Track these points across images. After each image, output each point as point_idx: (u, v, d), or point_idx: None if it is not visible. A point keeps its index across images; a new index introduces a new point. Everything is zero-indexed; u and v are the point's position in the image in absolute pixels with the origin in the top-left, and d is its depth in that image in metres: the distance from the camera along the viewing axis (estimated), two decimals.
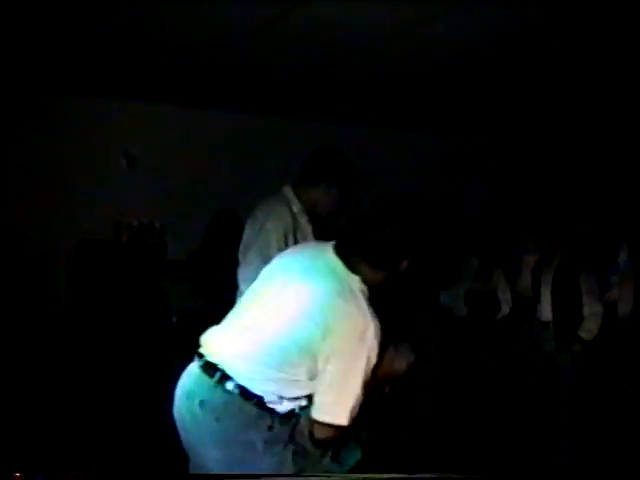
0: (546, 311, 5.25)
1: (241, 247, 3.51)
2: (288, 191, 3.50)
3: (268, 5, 3.91)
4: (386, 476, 2.20)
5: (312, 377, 2.32)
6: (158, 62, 5.07)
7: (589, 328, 5.13)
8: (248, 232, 3.49)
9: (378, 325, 2.30)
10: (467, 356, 5.58)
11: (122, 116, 6.13)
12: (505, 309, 5.81)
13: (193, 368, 2.46)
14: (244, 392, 2.32)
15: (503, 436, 5.33)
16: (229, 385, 2.33)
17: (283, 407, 2.36)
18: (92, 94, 5.85)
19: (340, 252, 2.42)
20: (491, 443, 5.24)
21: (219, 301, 3.57)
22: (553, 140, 7.32)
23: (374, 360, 2.31)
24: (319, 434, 2.34)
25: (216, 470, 2.34)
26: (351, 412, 2.30)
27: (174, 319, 5.74)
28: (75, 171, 5.96)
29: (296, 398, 2.38)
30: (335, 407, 2.31)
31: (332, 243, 2.48)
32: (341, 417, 2.30)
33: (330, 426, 2.31)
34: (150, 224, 6.25)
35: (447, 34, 4.31)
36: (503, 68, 5.03)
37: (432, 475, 2.46)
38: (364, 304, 2.33)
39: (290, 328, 2.32)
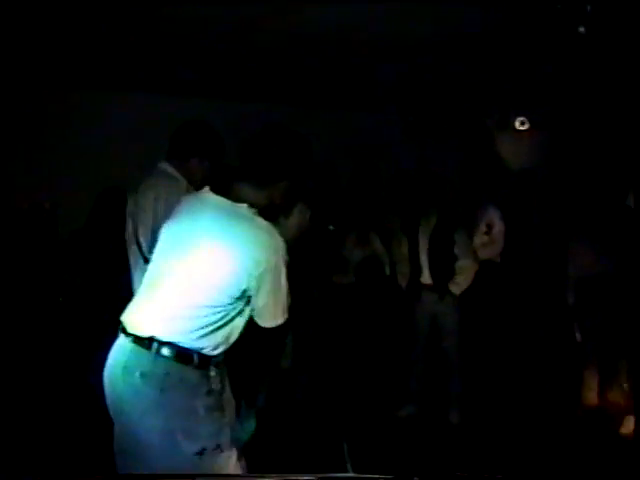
0: (425, 271, 5.52)
1: (131, 225, 3.60)
2: (166, 166, 3.59)
3: None
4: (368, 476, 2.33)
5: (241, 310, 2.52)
6: None
7: (459, 282, 5.46)
8: (133, 209, 3.59)
9: (277, 232, 2.51)
10: (354, 319, 5.84)
11: None
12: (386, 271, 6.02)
13: (124, 343, 2.53)
14: (182, 355, 2.45)
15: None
16: (166, 352, 2.44)
17: (218, 351, 2.51)
18: None
19: (219, 190, 2.58)
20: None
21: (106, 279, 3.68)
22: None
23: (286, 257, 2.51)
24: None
25: (156, 440, 2.43)
26: (286, 308, 2.57)
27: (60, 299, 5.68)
28: None
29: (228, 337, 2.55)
30: (274, 311, 2.55)
31: (207, 188, 2.63)
32: (280, 317, 2.56)
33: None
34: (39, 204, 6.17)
35: None
36: None
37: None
38: (262, 222, 2.51)
39: (207, 277, 2.45)
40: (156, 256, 2.69)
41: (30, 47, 5.18)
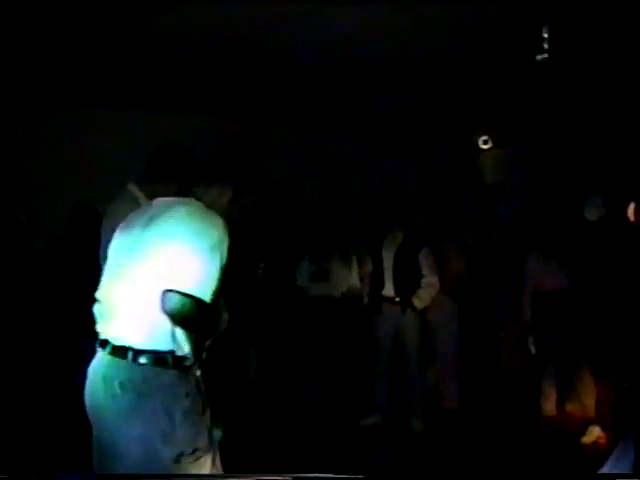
0: (388, 287, 5.72)
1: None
2: (134, 188, 3.59)
3: None
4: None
5: None
6: None
7: (422, 297, 5.67)
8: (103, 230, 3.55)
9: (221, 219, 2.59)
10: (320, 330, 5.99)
11: None
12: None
13: (101, 356, 2.60)
14: (158, 359, 2.51)
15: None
16: (143, 359, 2.50)
17: (188, 350, 2.54)
18: None
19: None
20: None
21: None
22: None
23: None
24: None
25: (135, 447, 2.47)
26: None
27: None
28: None
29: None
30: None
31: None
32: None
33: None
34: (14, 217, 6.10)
35: None
36: None
37: None
38: (199, 206, 2.65)
39: (162, 273, 2.48)
40: (109, 268, 2.74)
41: (8, 61, 5.24)
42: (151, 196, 3.19)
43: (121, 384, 2.51)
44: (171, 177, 3.38)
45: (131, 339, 2.54)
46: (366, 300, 5.87)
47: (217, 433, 2.67)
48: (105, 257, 2.84)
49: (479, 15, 4.41)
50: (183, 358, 2.56)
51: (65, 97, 6.25)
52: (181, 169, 3.41)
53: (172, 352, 2.53)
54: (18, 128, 6.33)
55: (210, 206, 2.68)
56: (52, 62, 5.32)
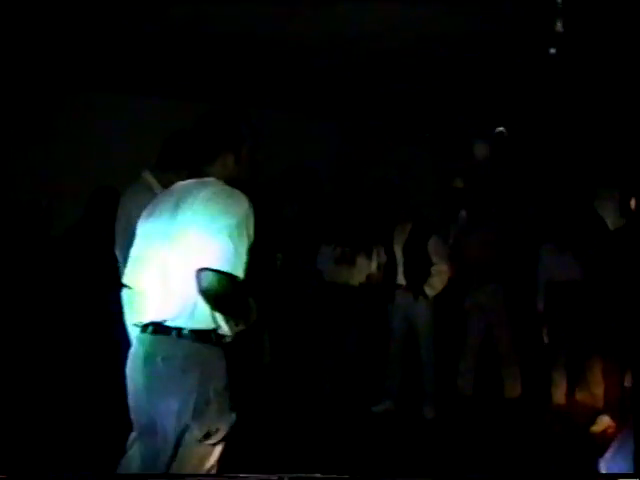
0: (400, 273, 5.81)
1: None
2: (148, 176, 3.69)
3: None
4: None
5: None
6: None
7: (433, 285, 5.72)
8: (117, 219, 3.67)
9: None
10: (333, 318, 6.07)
11: None
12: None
13: (143, 337, 2.69)
14: (201, 335, 2.59)
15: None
16: (186, 335, 2.58)
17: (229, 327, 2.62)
18: None
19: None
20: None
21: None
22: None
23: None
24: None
25: (169, 424, 2.55)
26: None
27: None
28: None
29: None
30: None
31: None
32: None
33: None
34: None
35: None
36: None
37: None
38: (222, 185, 2.70)
39: (195, 254, 2.53)
40: (139, 254, 2.81)
41: (30, 48, 5.36)
42: (165, 184, 3.26)
43: (163, 359, 2.59)
44: (183, 165, 3.35)
45: (173, 320, 2.61)
46: (381, 288, 5.96)
47: (232, 417, 2.71)
48: (127, 244, 2.91)
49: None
50: (224, 336, 2.65)
51: (85, 82, 6.35)
52: (191, 153, 3.38)
53: (214, 330, 2.62)
54: (41, 114, 6.45)
55: (223, 179, 2.74)
56: (76, 48, 5.43)
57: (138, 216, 2.91)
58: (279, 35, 5.07)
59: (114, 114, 6.62)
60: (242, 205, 2.60)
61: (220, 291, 2.50)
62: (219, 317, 2.61)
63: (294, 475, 2.26)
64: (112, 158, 6.45)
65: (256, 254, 2.62)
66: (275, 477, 2.20)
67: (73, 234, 5.48)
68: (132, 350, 2.76)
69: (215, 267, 2.49)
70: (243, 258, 2.54)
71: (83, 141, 6.57)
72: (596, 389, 5.73)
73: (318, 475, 2.53)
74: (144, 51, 5.53)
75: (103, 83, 6.39)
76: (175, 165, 3.48)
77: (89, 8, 4.54)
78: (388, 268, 5.88)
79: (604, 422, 5.38)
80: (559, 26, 4.42)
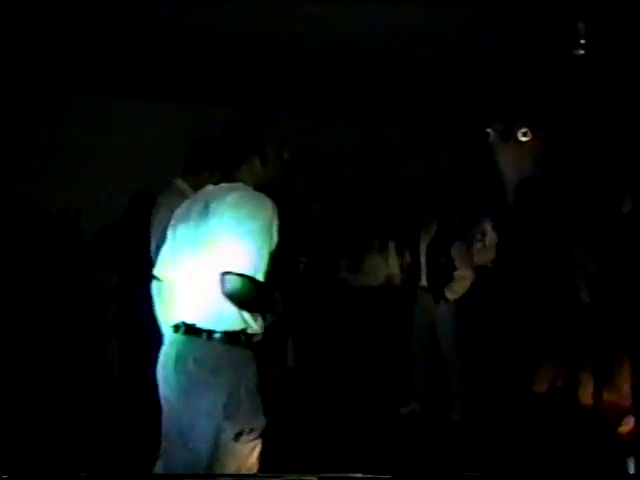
0: (423, 276, 5.83)
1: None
2: (180, 182, 3.80)
3: None
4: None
5: None
6: None
7: (455, 289, 5.73)
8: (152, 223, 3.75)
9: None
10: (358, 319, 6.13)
11: None
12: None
13: (175, 337, 2.75)
14: (231, 337, 2.64)
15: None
16: (217, 335, 2.63)
17: (257, 327, 2.69)
18: None
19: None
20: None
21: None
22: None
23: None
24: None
25: (201, 424, 2.60)
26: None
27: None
28: None
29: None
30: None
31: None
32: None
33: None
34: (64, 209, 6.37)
35: None
36: None
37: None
38: (249, 189, 2.75)
39: (221, 258, 2.59)
40: (171, 251, 2.90)
41: (58, 51, 5.40)
42: (196, 187, 3.30)
43: (195, 360, 2.64)
44: (209, 168, 3.59)
45: (203, 321, 2.67)
46: (403, 290, 5.98)
47: (264, 417, 2.75)
48: (161, 244, 3.00)
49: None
50: (253, 335, 2.70)
51: (115, 88, 6.40)
52: (218, 159, 3.43)
53: (244, 330, 2.67)
54: (69, 120, 6.51)
55: (252, 183, 2.80)
56: (105, 57, 5.50)
57: (170, 220, 2.99)
58: (301, 37, 5.09)
59: (140, 121, 6.65)
60: (267, 209, 2.65)
61: (244, 294, 2.57)
62: (247, 316, 2.66)
63: (335, 475, 2.28)
64: (139, 165, 6.49)
65: (280, 257, 2.68)
66: (315, 478, 2.22)
67: (105, 238, 5.59)
68: (163, 350, 2.82)
69: (239, 270, 2.55)
70: (267, 261, 2.60)
71: (107, 150, 6.59)
72: (623, 390, 5.72)
73: (359, 475, 2.50)
74: (167, 59, 5.59)
75: (131, 88, 6.43)
76: (205, 168, 3.62)
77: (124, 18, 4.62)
78: (412, 269, 5.91)
79: (631, 423, 5.35)
80: (582, 28, 4.44)
